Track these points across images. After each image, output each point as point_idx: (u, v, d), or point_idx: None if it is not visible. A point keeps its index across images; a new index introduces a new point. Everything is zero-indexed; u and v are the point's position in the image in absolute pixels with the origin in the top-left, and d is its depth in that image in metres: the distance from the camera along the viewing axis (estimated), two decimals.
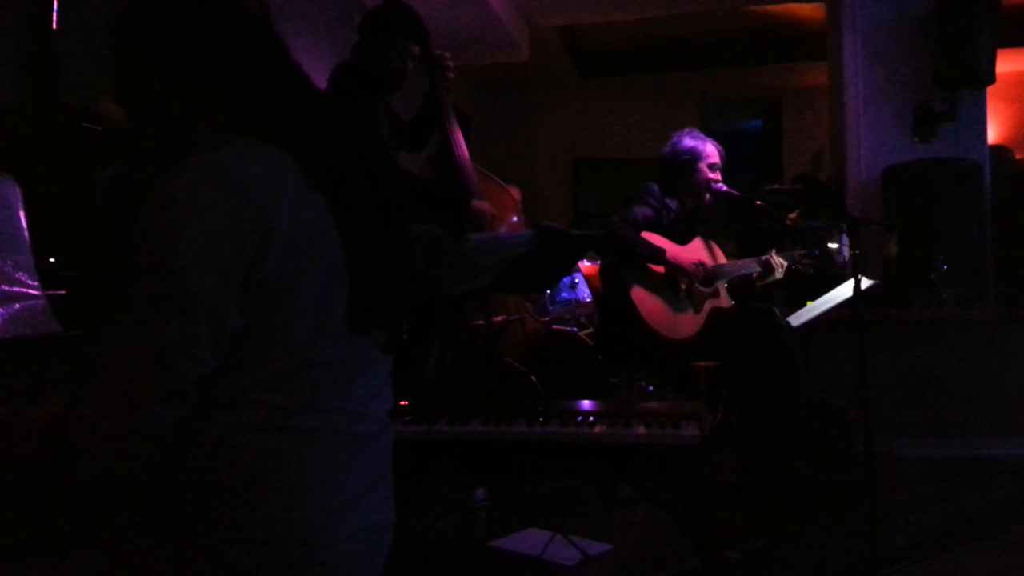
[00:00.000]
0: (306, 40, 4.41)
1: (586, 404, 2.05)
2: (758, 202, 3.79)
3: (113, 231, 1.72)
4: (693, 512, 1.79)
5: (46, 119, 2.56)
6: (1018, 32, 5.76)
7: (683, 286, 3.13)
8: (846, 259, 4.42)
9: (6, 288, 1.41)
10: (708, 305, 3.19)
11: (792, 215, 4.62)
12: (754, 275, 3.31)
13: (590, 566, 2.33)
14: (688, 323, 3.11)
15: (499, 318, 3.07)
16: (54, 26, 2.75)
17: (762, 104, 8.54)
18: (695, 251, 3.23)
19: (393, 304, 1.14)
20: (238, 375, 1.00)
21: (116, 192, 1.82)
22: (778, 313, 3.03)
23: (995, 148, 5.76)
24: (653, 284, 3.09)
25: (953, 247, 4.34)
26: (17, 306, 1.42)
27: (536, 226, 2.16)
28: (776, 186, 5.92)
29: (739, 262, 3.39)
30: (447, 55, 3.04)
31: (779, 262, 3.27)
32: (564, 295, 3.83)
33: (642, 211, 3.17)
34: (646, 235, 3.08)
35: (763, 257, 3.28)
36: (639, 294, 3.04)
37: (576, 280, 3.84)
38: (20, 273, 1.45)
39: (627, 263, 3.07)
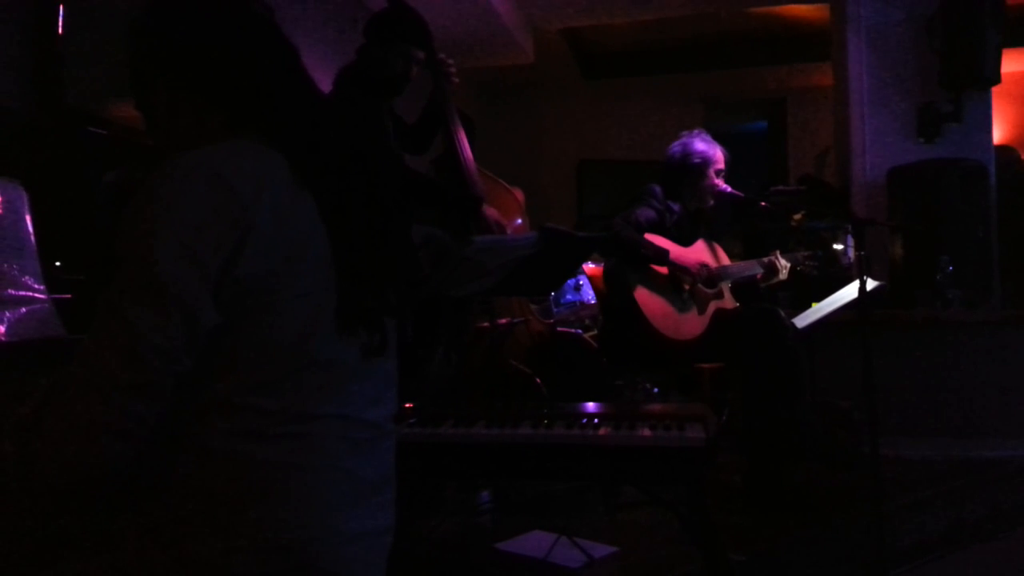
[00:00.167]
0: (310, 43, 4.42)
1: (591, 406, 2.05)
2: (763, 203, 3.78)
3: None
4: (698, 514, 1.79)
5: (52, 123, 2.58)
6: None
7: (687, 287, 3.13)
8: (851, 260, 4.40)
9: (12, 292, 1.42)
10: (712, 306, 3.18)
11: (797, 216, 4.62)
12: (758, 276, 3.30)
13: (595, 568, 2.33)
14: (692, 324, 3.11)
15: (504, 320, 3.07)
16: (60, 30, 2.76)
17: (767, 105, 8.52)
18: (698, 253, 3.23)
19: (384, 306, 1.12)
20: (226, 378, 0.99)
21: (121, 195, 1.83)
22: (783, 314, 3.02)
23: (1000, 148, 5.72)
24: (657, 285, 3.09)
25: (958, 248, 4.31)
26: (23, 310, 1.43)
27: (541, 228, 2.16)
28: (780, 187, 5.89)
29: (743, 263, 3.38)
30: (450, 61, 3.04)
31: (783, 263, 3.26)
32: (568, 297, 3.83)
33: (645, 213, 3.17)
34: (649, 237, 3.08)
35: (767, 258, 3.28)
36: (643, 295, 3.04)
37: (580, 282, 3.84)
38: (26, 277, 1.46)
39: (631, 264, 3.07)
